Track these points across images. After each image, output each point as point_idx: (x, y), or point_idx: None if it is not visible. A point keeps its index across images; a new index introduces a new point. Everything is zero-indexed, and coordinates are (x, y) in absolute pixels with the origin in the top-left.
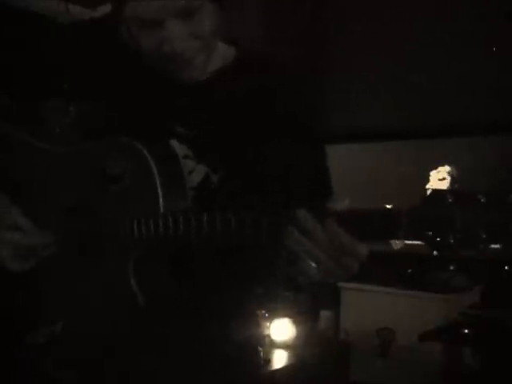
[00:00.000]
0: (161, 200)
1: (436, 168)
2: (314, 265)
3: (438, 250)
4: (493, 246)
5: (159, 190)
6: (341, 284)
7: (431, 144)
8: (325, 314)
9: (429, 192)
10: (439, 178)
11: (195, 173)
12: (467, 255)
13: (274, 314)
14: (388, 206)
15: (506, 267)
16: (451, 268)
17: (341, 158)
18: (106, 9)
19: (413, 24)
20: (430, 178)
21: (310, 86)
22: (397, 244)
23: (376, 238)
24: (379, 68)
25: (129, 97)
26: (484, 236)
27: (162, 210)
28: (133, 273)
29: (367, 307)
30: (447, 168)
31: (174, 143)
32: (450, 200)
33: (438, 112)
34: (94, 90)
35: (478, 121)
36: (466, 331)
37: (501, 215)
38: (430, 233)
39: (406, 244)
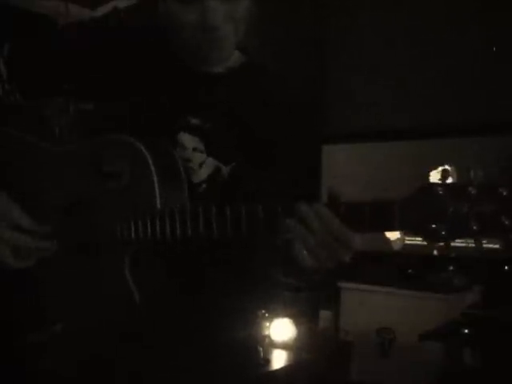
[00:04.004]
0: (158, 197)
1: (436, 168)
2: (305, 252)
3: (430, 241)
4: (484, 237)
5: (156, 187)
6: (341, 284)
7: (431, 144)
8: (324, 314)
9: (420, 184)
10: (439, 178)
11: (205, 165)
12: (467, 255)
13: (273, 314)
14: (381, 199)
15: (506, 267)
16: (451, 268)
17: (341, 158)
18: (105, 9)
19: (411, 24)
20: (430, 178)
21: (312, 90)
22: (397, 244)
23: (371, 230)
24: (378, 68)
25: (143, 89)
26: (475, 228)
27: (158, 206)
28: (129, 270)
29: (367, 307)
30: (447, 168)
31: (185, 136)
32: (440, 192)
33: (437, 112)
34: (104, 84)
35: (478, 121)
36: (466, 331)
37: (492, 207)
38: (422, 224)
39: (405, 244)
